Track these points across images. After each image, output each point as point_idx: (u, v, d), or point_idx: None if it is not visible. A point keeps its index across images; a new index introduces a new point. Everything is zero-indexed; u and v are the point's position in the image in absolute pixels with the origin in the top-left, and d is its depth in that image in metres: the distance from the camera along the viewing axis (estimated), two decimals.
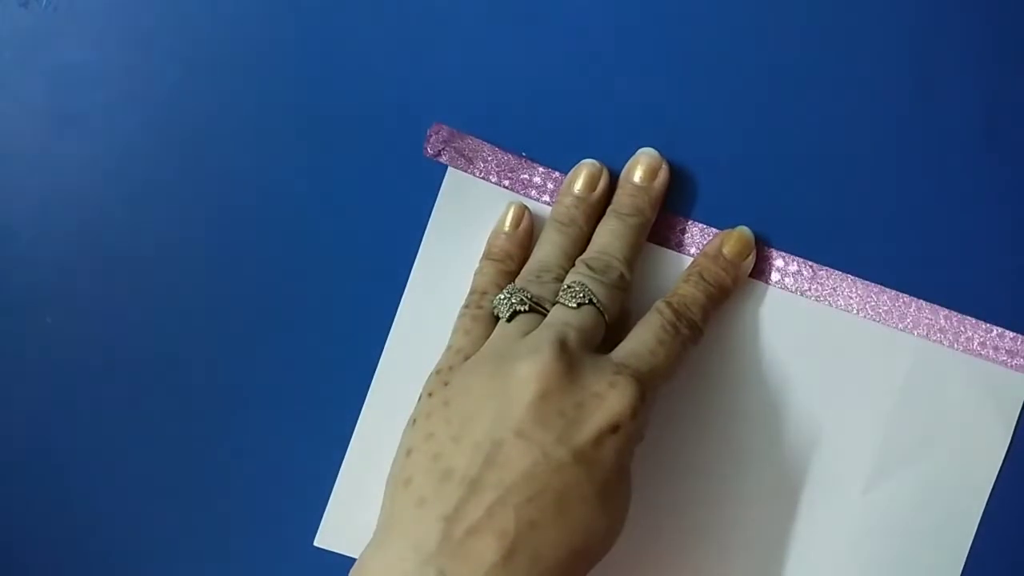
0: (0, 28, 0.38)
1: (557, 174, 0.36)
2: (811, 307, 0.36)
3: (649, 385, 0.30)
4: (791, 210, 0.36)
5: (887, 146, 0.37)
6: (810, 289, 0.36)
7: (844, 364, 0.35)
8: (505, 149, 0.37)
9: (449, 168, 0.37)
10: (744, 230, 0.35)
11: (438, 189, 0.37)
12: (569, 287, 0.32)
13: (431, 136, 0.37)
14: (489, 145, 0.37)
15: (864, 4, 0.37)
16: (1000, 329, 0.35)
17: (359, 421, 0.37)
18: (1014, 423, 0.35)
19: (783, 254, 0.36)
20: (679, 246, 0.36)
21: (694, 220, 0.36)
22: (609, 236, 0.34)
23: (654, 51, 0.37)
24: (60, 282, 0.38)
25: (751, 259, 0.35)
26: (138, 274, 0.38)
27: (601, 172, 0.35)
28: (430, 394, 0.31)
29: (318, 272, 0.38)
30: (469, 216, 0.37)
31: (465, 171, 0.37)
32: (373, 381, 0.37)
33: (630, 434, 0.30)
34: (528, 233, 0.36)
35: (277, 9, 0.38)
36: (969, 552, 0.35)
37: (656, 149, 0.36)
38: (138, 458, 0.37)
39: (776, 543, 0.35)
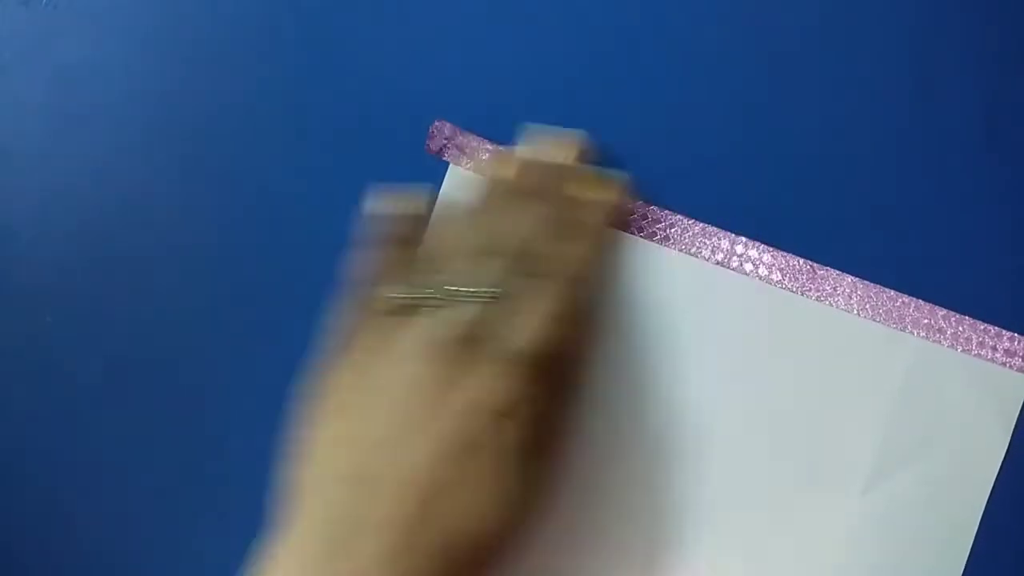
0: (0, 27, 0.38)
1: None
2: (811, 307, 0.35)
3: (527, 360, 0.31)
4: (791, 210, 0.36)
5: (887, 146, 0.36)
6: (810, 289, 0.36)
7: (843, 364, 0.35)
8: (507, 146, 0.37)
9: (450, 165, 0.37)
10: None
11: (439, 187, 0.37)
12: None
13: (433, 133, 0.37)
14: (491, 142, 0.37)
15: (864, 4, 0.37)
16: (999, 329, 0.35)
17: None
18: (1013, 423, 0.35)
19: (783, 253, 0.36)
20: (673, 243, 0.36)
21: (695, 219, 0.36)
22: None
23: (654, 49, 0.37)
24: (60, 281, 0.38)
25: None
26: (138, 273, 0.38)
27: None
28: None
29: (318, 270, 0.37)
30: None
31: (466, 168, 0.37)
32: None
33: (497, 409, 0.30)
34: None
35: (277, 8, 0.38)
36: (970, 552, 0.35)
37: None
38: (138, 456, 0.37)
39: (776, 543, 0.35)
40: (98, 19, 0.38)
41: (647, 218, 0.36)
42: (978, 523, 0.35)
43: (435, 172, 0.37)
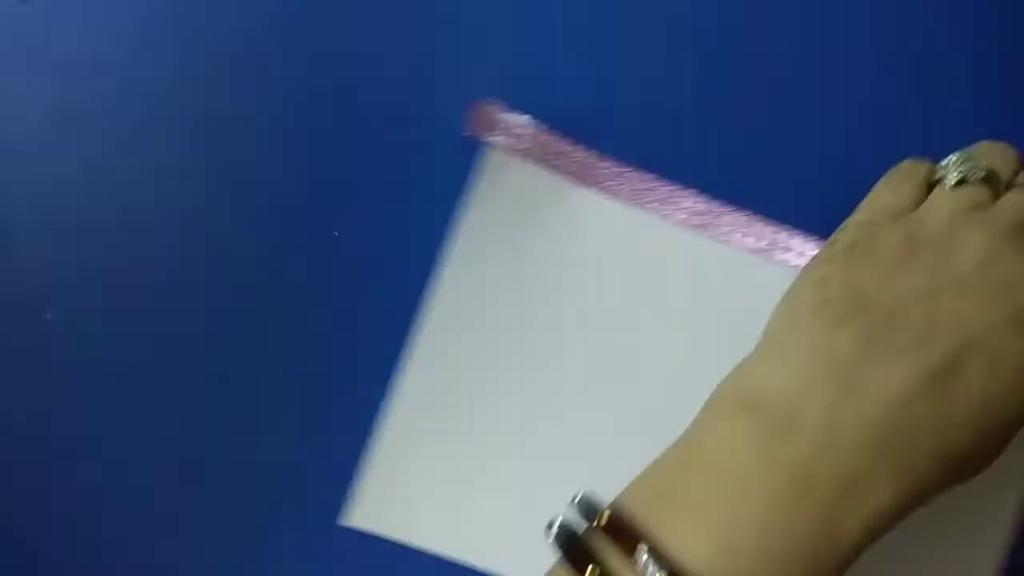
0: None
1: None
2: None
3: None
4: (791, 208, 0.37)
5: (887, 145, 0.38)
6: None
7: None
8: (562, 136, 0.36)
9: (491, 150, 0.36)
10: None
11: (461, 176, 0.37)
12: None
13: (474, 115, 0.36)
14: (550, 131, 0.36)
15: (865, 3, 0.39)
16: None
17: (395, 400, 0.36)
18: None
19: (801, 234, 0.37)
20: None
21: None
22: None
23: (658, 50, 0.38)
24: (59, 279, 0.37)
25: None
26: (138, 271, 0.37)
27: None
28: (853, 243, 0.29)
29: (320, 268, 0.37)
30: (514, 203, 0.36)
31: (513, 152, 0.35)
32: (411, 358, 0.36)
33: None
34: None
35: (278, 0, 0.38)
36: None
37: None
38: (139, 455, 0.37)
39: None
40: (97, 15, 0.38)
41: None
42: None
43: (456, 162, 0.37)
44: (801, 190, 0.37)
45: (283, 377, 0.37)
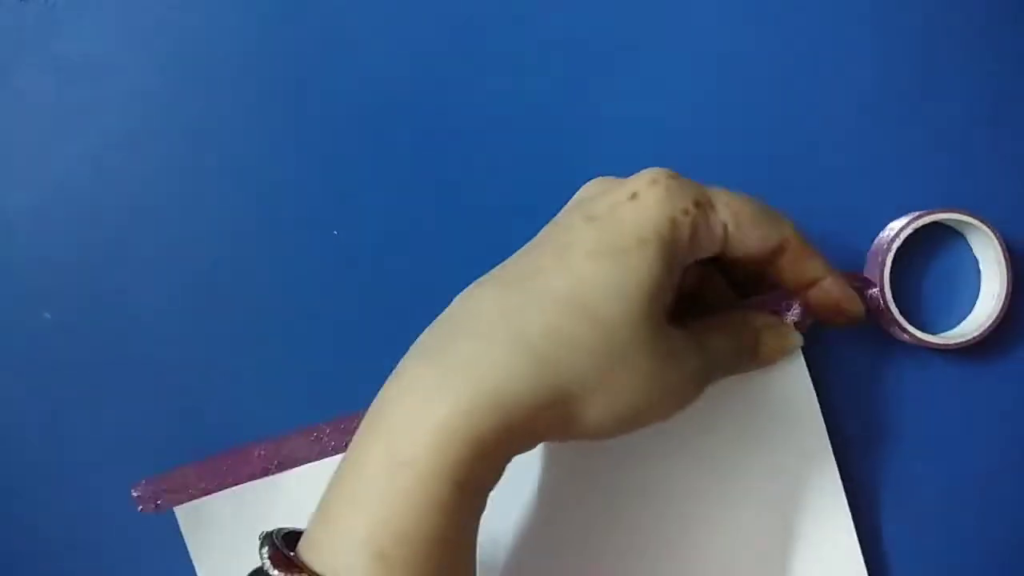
0: None
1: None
2: None
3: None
4: (788, 206, 0.37)
5: (887, 145, 0.37)
6: None
7: None
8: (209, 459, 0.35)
9: (177, 511, 0.35)
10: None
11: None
12: None
13: (139, 495, 0.35)
14: (193, 466, 0.35)
15: (865, 2, 0.38)
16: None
17: None
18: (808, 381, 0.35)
19: None
20: None
21: None
22: None
23: (655, 54, 0.38)
24: (58, 277, 0.38)
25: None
26: (137, 269, 0.38)
27: None
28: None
29: (320, 266, 0.38)
30: (226, 533, 0.35)
31: (192, 501, 0.35)
32: None
33: (658, 200, 0.29)
34: None
35: (276, 1, 0.38)
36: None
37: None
38: (137, 454, 0.37)
39: None
40: (97, 15, 0.38)
41: None
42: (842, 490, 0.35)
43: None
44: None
45: (282, 376, 0.38)
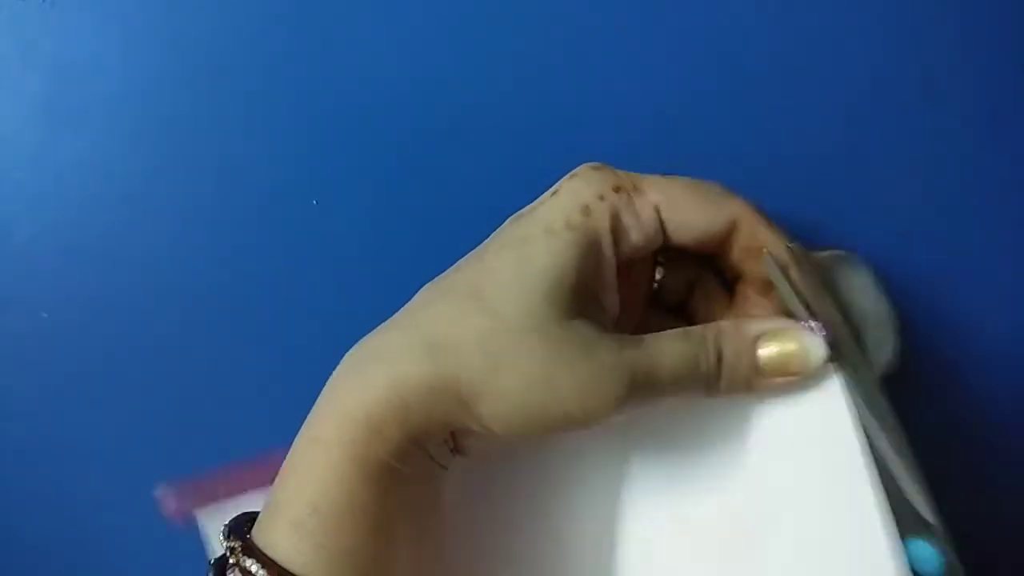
0: None
1: None
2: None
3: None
4: (788, 206, 0.37)
5: (888, 144, 0.37)
6: None
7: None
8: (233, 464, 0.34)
9: (200, 513, 0.34)
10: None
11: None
12: None
13: (169, 503, 0.34)
14: (220, 472, 0.34)
15: (865, 2, 0.37)
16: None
17: None
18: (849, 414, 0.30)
19: None
20: None
21: None
22: None
23: (652, 50, 0.38)
24: (56, 277, 0.38)
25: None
26: (136, 269, 0.38)
27: None
28: None
29: (319, 265, 0.37)
30: None
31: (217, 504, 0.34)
32: None
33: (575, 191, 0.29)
34: None
35: (275, 1, 0.38)
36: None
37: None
38: (135, 453, 0.37)
39: None
40: (96, 14, 0.38)
41: None
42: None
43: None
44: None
45: (281, 376, 0.37)
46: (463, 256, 0.30)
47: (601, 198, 0.29)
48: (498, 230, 0.30)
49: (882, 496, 0.29)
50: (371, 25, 0.38)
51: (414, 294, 0.29)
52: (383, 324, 0.29)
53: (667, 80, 0.37)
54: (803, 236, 0.36)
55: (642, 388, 0.28)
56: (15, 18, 0.38)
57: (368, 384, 0.27)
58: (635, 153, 0.36)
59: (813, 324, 0.29)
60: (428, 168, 0.37)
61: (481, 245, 0.30)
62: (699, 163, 0.37)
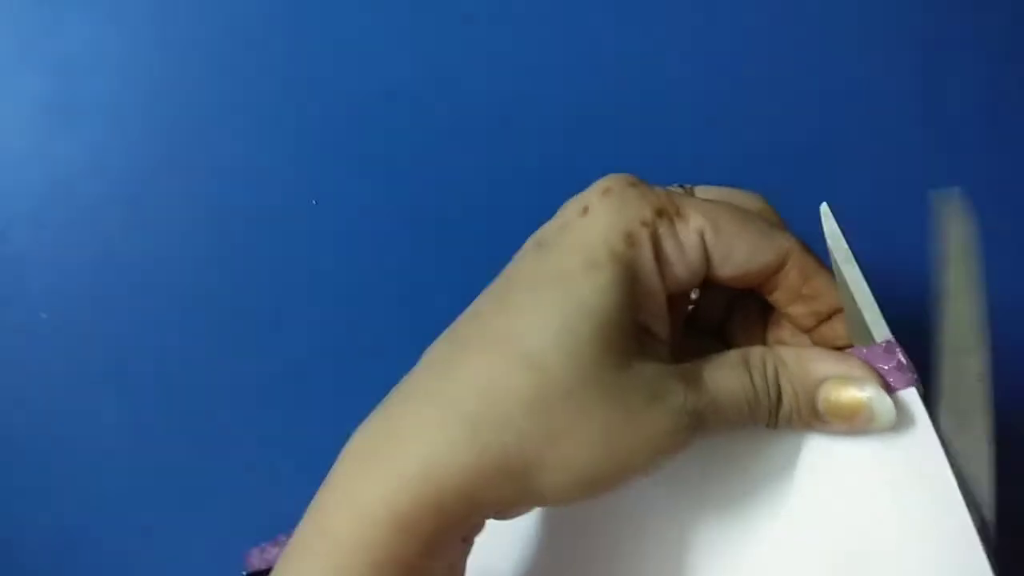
0: None
1: None
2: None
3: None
4: (787, 207, 0.37)
5: (887, 144, 0.37)
6: None
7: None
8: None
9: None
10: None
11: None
12: None
13: (252, 561, 0.33)
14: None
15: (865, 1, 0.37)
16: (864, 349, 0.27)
17: None
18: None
19: None
20: None
21: None
22: None
23: (653, 49, 0.38)
24: (55, 276, 0.38)
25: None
26: (135, 268, 0.38)
27: None
28: None
29: (317, 264, 0.38)
30: None
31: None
32: None
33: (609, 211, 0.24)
34: None
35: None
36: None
37: None
38: (133, 452, 0.38)
39: None
40: (97, 11, 0.39)
41: None
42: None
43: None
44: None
45: (280, 375, 0.38)
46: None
47: (644, 224, 0.25)
48: (518, 261, 0.25)
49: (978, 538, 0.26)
50: (371, 25, 0.38)
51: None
52: (399, 388, 0.24)
53: (667, 80, 0.37)
54: (804, 237, 0.37)
55: (706, 426, 0.25)
56: (15, 18, 0.39)
57: (392, 475, 0.22)
58: (636, 153, 0.37)
59: (895, 368, 0.26)
60: (428, 168, 0.37)
61: (500, 281, 0.25)
62: (699, 163, 0.37)
